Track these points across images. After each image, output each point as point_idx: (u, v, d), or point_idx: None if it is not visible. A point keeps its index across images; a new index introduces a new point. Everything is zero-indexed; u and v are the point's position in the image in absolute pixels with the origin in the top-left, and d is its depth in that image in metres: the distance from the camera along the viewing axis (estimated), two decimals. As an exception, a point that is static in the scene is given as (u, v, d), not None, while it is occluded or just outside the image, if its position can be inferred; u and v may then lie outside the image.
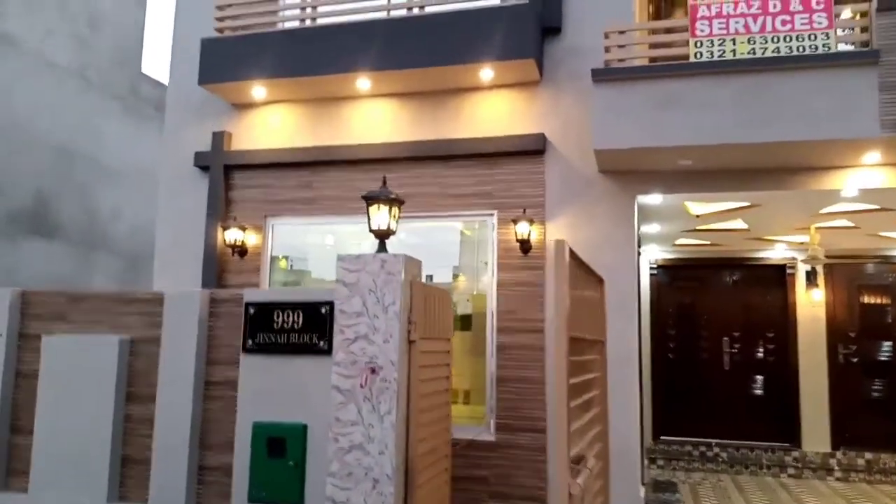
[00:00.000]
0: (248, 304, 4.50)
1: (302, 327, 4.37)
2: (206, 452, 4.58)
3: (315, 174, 6.74)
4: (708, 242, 8.28)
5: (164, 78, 12.61)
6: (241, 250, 6.83)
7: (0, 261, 10.50)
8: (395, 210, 4.52)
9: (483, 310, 6.28)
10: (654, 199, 6.05)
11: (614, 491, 5.48)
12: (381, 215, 4.49)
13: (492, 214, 6.20)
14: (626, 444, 5.62)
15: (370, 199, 4.49)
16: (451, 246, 6.90)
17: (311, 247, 7.61)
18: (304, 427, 4.29)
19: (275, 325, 4.42)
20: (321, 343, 4.33)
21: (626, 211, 5.86)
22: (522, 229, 5.83)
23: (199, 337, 4.61)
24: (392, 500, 4.03)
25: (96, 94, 12.40)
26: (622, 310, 5.75)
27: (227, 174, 7.00)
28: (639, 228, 6.50)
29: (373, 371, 4.21)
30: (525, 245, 5.93)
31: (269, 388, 4.39)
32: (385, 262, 4.26)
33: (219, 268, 6.85)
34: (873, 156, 5.24)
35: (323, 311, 4.35)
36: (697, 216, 6.75)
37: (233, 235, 6.74)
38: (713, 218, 6.80)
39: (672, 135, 5.13)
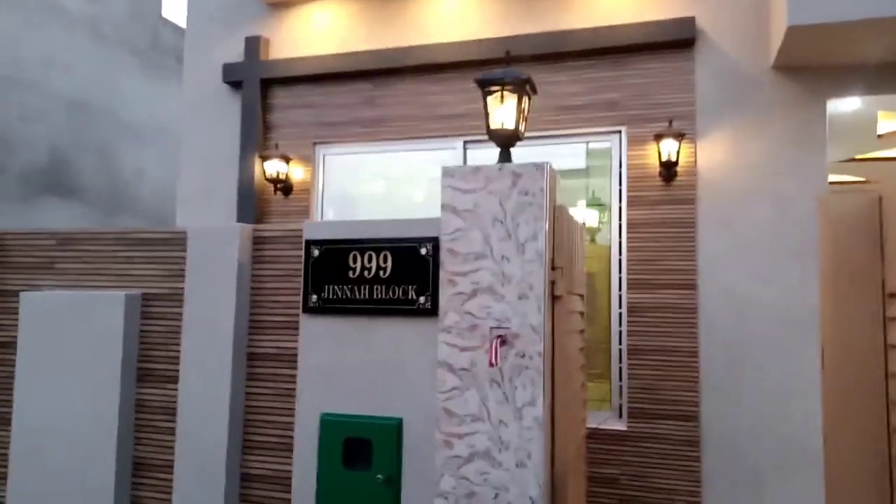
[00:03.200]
0: (310, 244, 3.05)
1: (391, 276, 2.92)
2: (250, 456, 3.19)
3: (379, 87, 5.22)
4: (861, 179, 6.61)
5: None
6: (284, 187, 5.39)
7: (13, 222, 9.27)
8: (525, 102, 3.01)
9: (599, 262, 4.79)
10: (845, 105, 4.45)
11: (801, 495, 4.02)
12: (505, 109, 2.97)
13: (618, 132, 4.65)
14: (811, 434, 4.13)
15: (490, 84, 2.97)
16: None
17: (372, 184, 6.14)
18: (399, 423, 2.86)
19: (351, 272, 2.97)
20: (421, 299, 2.88)
21: (811, 121, 4.27)
22: (669, 148, 4.28)
23: (238, 291, 3.19)
24: (547, 543, 2.62)
25: (112, 45, 11.02)
26: (802, 256, 4.21)
27: (264, 91, 5.52)
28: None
29: (503, 342, 2.75)
30: (670, 170, 4.38)
31: (343, 365, 2.97)
32: (519, 175, 2.77)
33: (257, 210, 5.42)
34: None
35: (423, 251, 2.89)
36: (880, 136, 5.13)
37: (274, 168, 5.28)
38: (899, 139, 5.19)
39: (913, -2, 3.52)
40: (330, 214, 5.53)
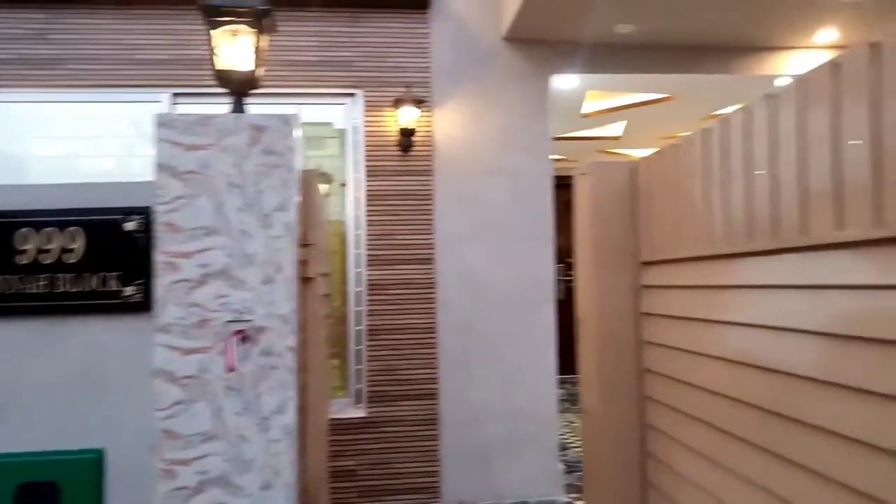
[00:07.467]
0: (-50, 216, 2.15)
1: (83, 261, 2.18)
2: None
3: (56, 19, 4.12)
4: (561, 157, 7.15)
5: None
6: (-88, 141, 4.01)
7: None
8: (263, 39, 2.45)
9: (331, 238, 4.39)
10: (565, 82, 4.63)
11: (528, 466, 4.16)
12: (238, 46, 2.39)
13: (352, 94, 4.27)
14: (541, 406, 4.28)
15: (217, 13, 2.35)
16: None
17: (48, 145, 4.91)
18: (98, 457, 2.16)
19: (19, 257, 2.15)
20: (128, 290, 2.20)
21: (538, 94, 4.35)
22: (409, 115, 4.02)
23: None
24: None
25: None
26: (535, 229, 4.31)
27: None
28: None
29: (244, 338, 2.21)
30: (408, 139, 4.14)
31: (13, 385, 2.15)
32: (261, 129, 2.24)
33: None
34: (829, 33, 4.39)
35: (129, 226, 2.20)
36: (584, 115, 5.51)
37: None
38: (599, 118, 5.62)
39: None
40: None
